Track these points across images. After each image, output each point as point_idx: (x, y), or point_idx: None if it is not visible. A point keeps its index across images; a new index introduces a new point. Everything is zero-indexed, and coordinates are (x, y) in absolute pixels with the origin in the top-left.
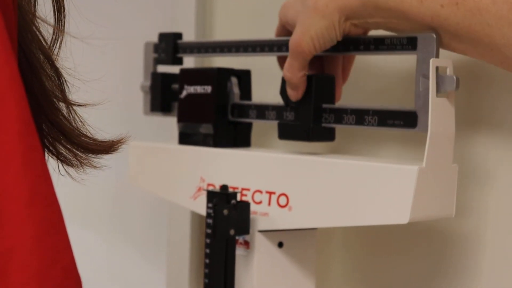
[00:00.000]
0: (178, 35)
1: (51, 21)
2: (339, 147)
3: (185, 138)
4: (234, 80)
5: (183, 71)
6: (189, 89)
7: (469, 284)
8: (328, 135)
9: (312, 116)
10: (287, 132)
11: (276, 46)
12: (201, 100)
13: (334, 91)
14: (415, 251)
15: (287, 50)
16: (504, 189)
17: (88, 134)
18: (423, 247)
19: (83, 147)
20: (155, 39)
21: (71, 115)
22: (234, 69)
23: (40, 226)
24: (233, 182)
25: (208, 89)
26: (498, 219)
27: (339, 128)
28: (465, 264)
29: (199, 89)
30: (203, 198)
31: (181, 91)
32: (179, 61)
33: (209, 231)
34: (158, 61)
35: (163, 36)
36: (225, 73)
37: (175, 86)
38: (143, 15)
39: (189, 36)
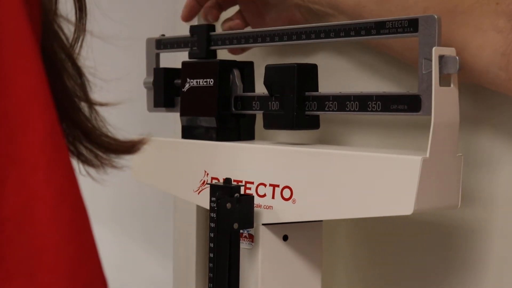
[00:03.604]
0: (212, 27)
1: (73, 19)
2: (341, 137)
3: (188, 132)
4: (236, 72)
5: (185, 64)
6: (192, 82)
7: (476, 277)
8: (312, 123)
9: (295, 105)
10: (272, 122)
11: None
12: (203, 93)
13: (317, 79)
14: (421, 244)
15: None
16: (510, 178)
17: (109, 134)
18: (428, 239)
19: (104, 147)
20: (161, 34)
21: (92, 115)
22: (237, 61)
23: (67, 227)
24: (237, 175)
25: (211, 81)
26: (505, 210)
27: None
28: (472, 256)
29: (201, 82)
30: (207, 192)
31: (184, 85)
32: (213, 54)
33: (212, 225)
34: (191, 55)
35: (195, 29)
36: (227, 65)
37: (178, 81)
38: (162, 13)
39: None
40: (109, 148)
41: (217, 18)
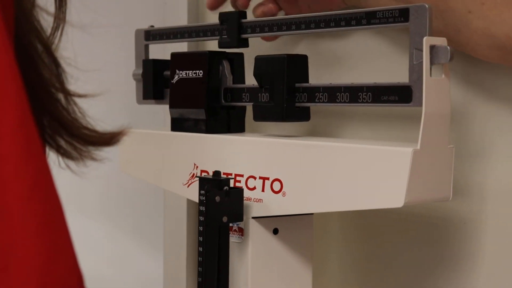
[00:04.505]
0: (243, 14)
1: (51, 9)
2: (332, 129)
3: (178, 124)
4: (226, 63)
5: (174, 55)
6: (181, 74)
7: (468, 268)
8: (303, 115)
9: (285, 96)
10: (261, 114)
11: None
12: (193, 84)
13: (307, 70)
14: (413, 236)
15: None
16: (502, 170)
17: (89, 126)
18: (420, 232)
19: (84, 140)
20: (150, 25)
21: (70, 106)
22: (227, 52)
23: (41, 221)
24: (227, 168)
25: (200, 73)
26: (497, 202)
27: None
28: (464, 249)
29: (190, 73)
30: (196, 185)
31: (173, 76)
32: (244, 43)
33: (201, 218)
34: (221, 45)
35: (224, 16)
36: (217, 57)
37: (167, 73)
38: (151, 4)
39: (182, 21)
40: (88, 141)
41: (247, 5)
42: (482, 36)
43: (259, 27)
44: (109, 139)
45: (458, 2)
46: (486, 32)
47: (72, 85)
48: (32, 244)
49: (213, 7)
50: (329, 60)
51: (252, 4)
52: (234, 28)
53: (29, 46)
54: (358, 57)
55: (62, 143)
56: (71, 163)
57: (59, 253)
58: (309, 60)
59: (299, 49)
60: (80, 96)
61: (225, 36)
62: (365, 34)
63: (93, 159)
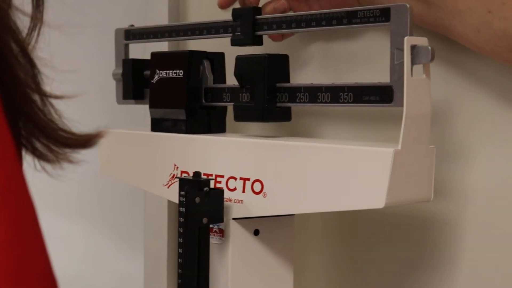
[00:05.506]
0: (258, 10)
1: (28, 9)
2: (315, 130)
3: (158, 125)
4: (206, 63)
5: (154, 55)
6: (161, 74)
7: (449, 270)
8: (283, 115)
9: (266, 96)
10: (242, 114)
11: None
12: (173, 84)
13: (288, 70)
14: (393, 238)
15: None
16: (483, 171)
17: (65, 128)
18: (401, 233)
19: (60, 142)
20: (130, 24)
21: (46, 108)
22: (207, 52)
23: (13, 228)
24: (207, 168)
25: (180, 73)
26: (478, 202)
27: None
28: (445, 248)
29: (171, 73)
30: (176, 186)
31: (153, 76)
32: (259, 41)
33: (181, 219)
34: (234, 42)
35: (238, 12)
36: (197, 56)
37: (147, 72)
38: (131, 2)
39: (163, 20)
40: (64, 143)
41: (257, 4)
42: (503, 37)
43: (275, 24)
44: (86, 141)
45: (478, 1)
46: (507, 33)
47: (48, 86)
48: (4, 252)
49: (224, 6)
50: (338, 60)
51: (261, 3)
52: (248, 24)
53: (4, 46)
54: (367, 58)
55: (38, 145)
56: (47, 166)
57: (32, 261)
58: (318, 61)
59: (308, 50)
60: (56, 97)
61: (238, 33)
62: (376, 34)
63: (70, 161)
